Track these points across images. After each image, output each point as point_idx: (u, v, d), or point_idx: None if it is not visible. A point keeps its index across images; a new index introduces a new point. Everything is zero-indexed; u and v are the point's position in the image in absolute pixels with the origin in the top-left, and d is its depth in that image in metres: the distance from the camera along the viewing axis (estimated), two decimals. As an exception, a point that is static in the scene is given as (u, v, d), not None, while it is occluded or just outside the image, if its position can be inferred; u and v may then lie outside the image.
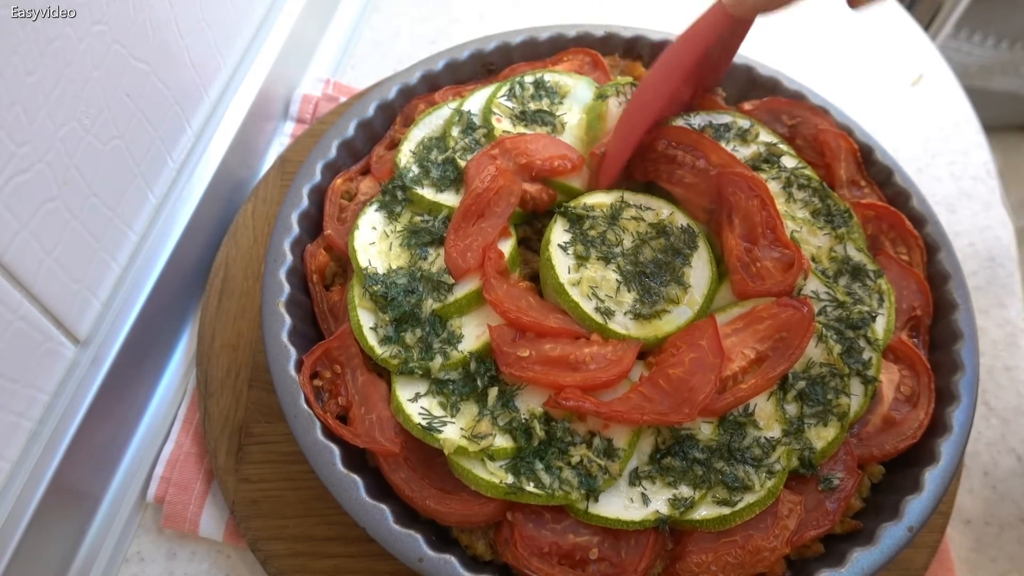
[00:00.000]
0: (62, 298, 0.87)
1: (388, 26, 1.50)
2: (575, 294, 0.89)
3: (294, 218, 0.99)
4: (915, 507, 0.83)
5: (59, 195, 0.83)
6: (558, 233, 0.94)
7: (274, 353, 0.90)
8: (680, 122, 1.05)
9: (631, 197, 0.98)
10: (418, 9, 1.53)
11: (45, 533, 0.86)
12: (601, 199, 0.97)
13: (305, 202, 1.01)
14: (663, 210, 0.97)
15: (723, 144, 1.03)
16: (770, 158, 1.03)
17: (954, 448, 0.86)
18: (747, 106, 1.13)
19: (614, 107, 1.05)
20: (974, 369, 0.91)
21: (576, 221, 0.95)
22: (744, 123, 1.06)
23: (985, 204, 1.31)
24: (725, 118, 1.07)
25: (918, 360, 0.90)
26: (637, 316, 0.89)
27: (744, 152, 1.04)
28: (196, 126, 1.11)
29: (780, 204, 0.98)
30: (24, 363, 0.82)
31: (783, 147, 1.05)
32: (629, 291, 0.90)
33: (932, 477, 0.84)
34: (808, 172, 1.02)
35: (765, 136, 1.06)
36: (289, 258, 0.97)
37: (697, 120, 1.06)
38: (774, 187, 1.00)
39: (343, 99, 1.31)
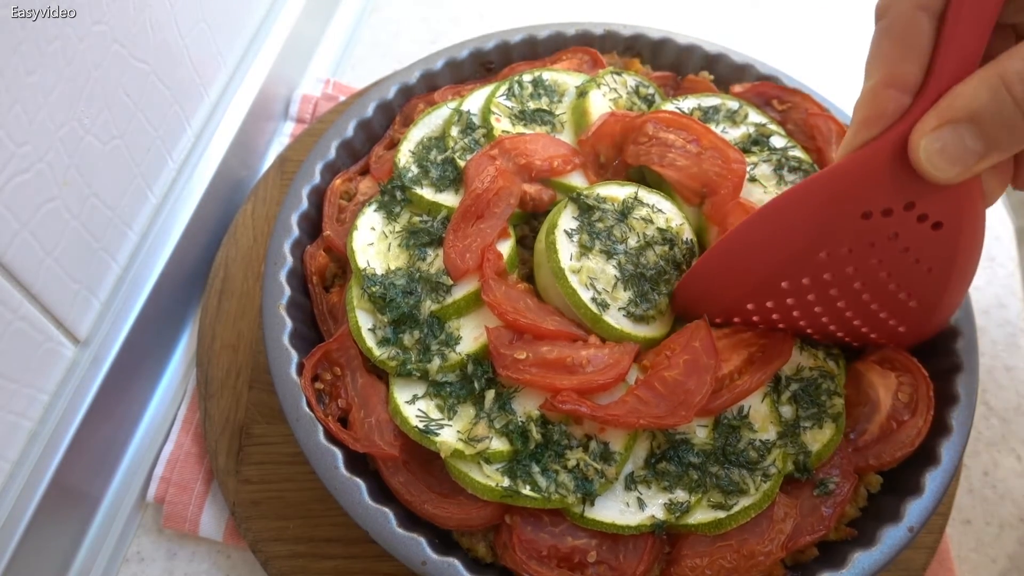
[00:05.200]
0: (62, 298, 0.87)
1: (388, 26, 1.50)
2: (574, 281, 0.89)
3: (294, 220, 0.99)
4: (915, 508, 0.83)
5: (59, 195, 0.83)
6: (566, 219, 0.93)
7: (275, 356, 0.90)
8: (669, 106, 1.05)
9: (646, 195, 0.97)
10: (418, 9, 1.53)
11: (45, 533, 0.86)
12: (615, 192, 0.96)
13: (304, 203, 1.01)
14: (675, 219, 0.96)
15: (712, 126, 1.03)
16: (760, 139, 1.04)
17: (954, 449, 0.86)
18: (737, 88, 1.13)
19: (597, 100, 1.05)
20: (974, 370, 0.91)
21: (586, 210, 0.94)
22: (733, 104, 1.06)
23: (986, 204, 1.31)
24: (713, 100, 1.07)
25: (916, 368, 0.90)
26: (629, 315, 0.89)
27: (733, 134, 1.04)
28: (196, 126, 1.11)
29: (771, 187, 0.98)
30: (24, 363, 0.83)
31: (772, 127, 1.05)
32: (625, 289, 0.90)
33: (932, 478, 0.84)
34: (798, 153, 1.02)
35: (754, 117, 1.06)
36: (289, 260, 0.97)
37: (686, 103, 1.06)
38: (765, 169, 1.00)
39: (343, 99, 1.31)
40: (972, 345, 0.93)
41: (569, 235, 0.92)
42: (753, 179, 0.98)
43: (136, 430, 1.03)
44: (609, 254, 0.92)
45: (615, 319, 0.88)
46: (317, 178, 1.03)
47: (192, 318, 1.12)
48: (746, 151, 1.01)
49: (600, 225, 0.93)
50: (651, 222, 0.95)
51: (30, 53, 0.75)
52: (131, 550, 0.97)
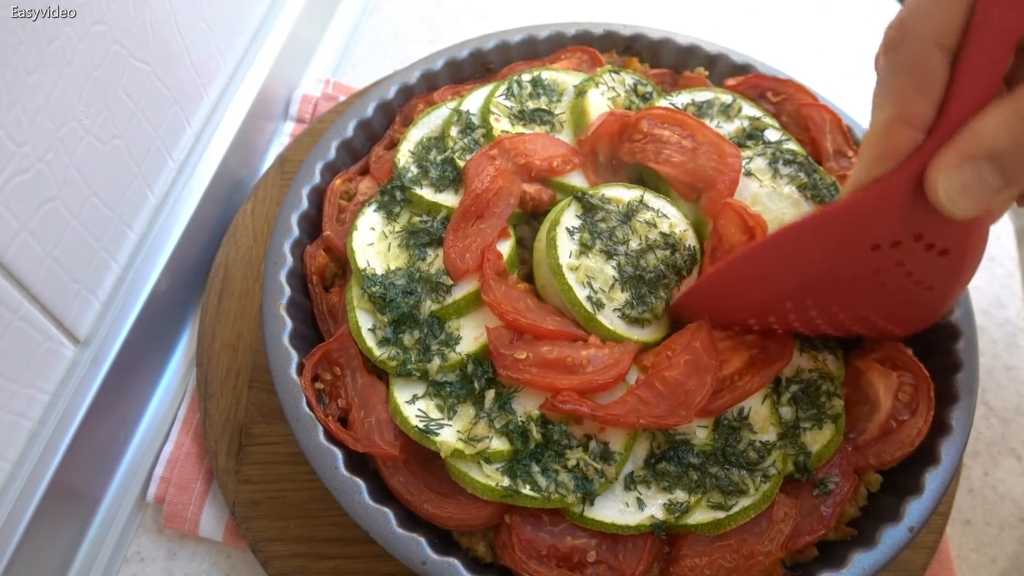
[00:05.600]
0: (62, 298, 0.87)
1: (388, 26, 1.50)
2: (571, 278, 0.89)
3: (294, 220, 0.99)
4: (915, 508, 0.83)
5: (59, 195, 0.83)
6: (569, 216, 0.93)
7: (275, 356, 0.90)
8: (663, 102, 1.05)
9: (652, 199, 0.97)
10: (418, 9, 1.53)
11: (45, 533, 0.86)
12: (620, 194, 0.96)
13: (304, 203, 1.01)
14: (679, 224, 0.96)
15: (707, 121, 1.03)
16: (754, 133, 1.04)
17: (954, 449, 0.86)
18: (730, 82, 1.14)
19: (595, 99, 1.04)
20: (974, 369, 0.91)
21: (590, 210, 0.94)
22: (726, 98, 1.07)
23: (986, 204, 1.31)
24: (707, 95, 1.07)
25: (917, 368, 0.90)
26: (624, 317, 0.89)
27: (728, 128, 1.04)
28: (196, 126, 1.11)
29: (766, 180, 0.98)
30: (24, 363, 0.83)
31: (767, 120, 1.05)
32: (622, 291, 0.90)
33: (932, 478, 0.84)
34: (793, 146, 1.02)
35: (748, 110, 1.06)
36: (289, 260, 0.97)
37: (680, 99, 1.06)
38: (760, 163, 0.99)
39: (343, 99, 1.31)
40: (972, 345, 0.93)
41: (570, 232, 0.92)
42: (749, 173, 0.98)
43: (136, 430, 1.03)
44: (609, 254, 0.92)
45: (609, 319, 0.88)
46: (317, 178, 1.03)
47: (192, 318, 1.12)
48: (740, 146, 1.01)
49: (603, 225, 0.93)
50: (655, 226, 0.95)
51: (30, 53, 0.75)
52: (131, 550, 0.97)
